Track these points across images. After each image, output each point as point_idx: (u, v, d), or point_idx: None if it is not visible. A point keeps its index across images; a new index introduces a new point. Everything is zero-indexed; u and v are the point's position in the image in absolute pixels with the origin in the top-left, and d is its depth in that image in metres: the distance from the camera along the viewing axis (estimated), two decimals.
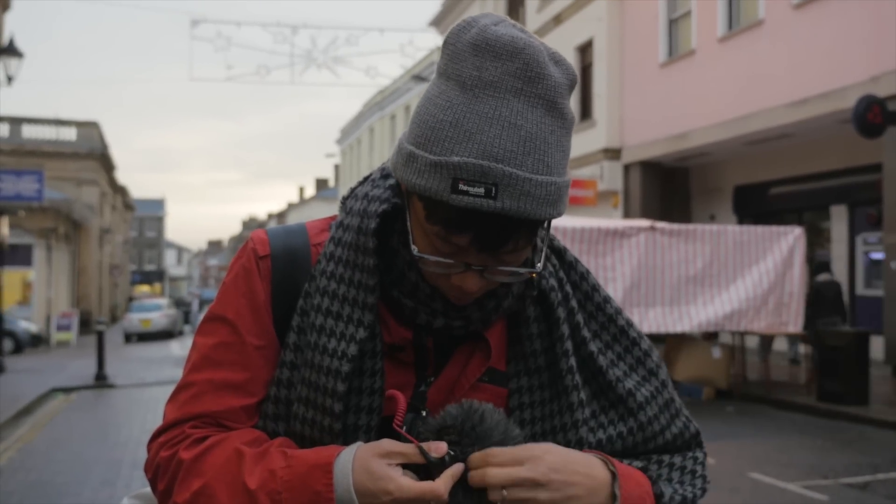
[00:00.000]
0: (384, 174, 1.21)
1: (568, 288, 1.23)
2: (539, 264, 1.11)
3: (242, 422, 1.17)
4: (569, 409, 1.17)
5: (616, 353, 1.24)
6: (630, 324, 1.27)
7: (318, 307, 1.15)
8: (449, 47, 1.06)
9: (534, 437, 1.17)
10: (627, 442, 1.21)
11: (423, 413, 1.13)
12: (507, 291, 1.17)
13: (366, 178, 1.25)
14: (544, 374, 1.19)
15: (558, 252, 1.26)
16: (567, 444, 1.15)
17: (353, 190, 1.25)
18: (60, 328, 26.74)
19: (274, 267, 1.20)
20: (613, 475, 1.10)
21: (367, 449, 1.06)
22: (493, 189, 0.99)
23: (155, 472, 1.17)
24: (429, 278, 1.12)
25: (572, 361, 1.18)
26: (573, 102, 1.16)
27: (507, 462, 1.03)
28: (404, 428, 1.10)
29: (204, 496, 1.09)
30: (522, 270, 1.09)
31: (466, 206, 0.99)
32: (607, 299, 1.27)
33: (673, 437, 1.24)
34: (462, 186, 0.99)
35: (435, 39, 32.78)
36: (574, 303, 1.23)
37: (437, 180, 1.01)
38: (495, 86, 1.01)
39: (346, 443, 1.11)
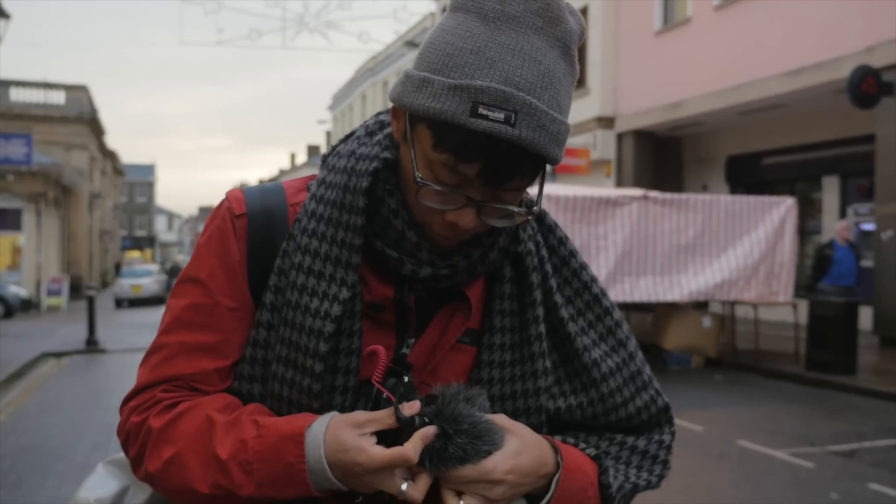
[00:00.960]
0: (369, 131, 1.19)
1: (544, 252, 1.23)
2: (536, 207, 1.11)
3: (215, 384, 1.15)
4: (532, 375, 1.17)
5: (588, 320, 1.24)
6: (604, 293, 1.27)
7: (298, 266, 1.12)
8: None
9: (501, 400, 1.16)
10: (587, 413, 1.21)
11: (406, 378, 1.10)
12: (493, 242, 1.15)
13: (348, 136, 1.23)
14: (514, 335, 1.18)
15: (538, 215, 1.25)
16: (527, 411, 1.17)
17: (334, 148, 1.22)
18: (51, 293, 26.69)
19: (250, 226, 1.17)
20: (558, 466, 1.12)
21: (340, 420, 1.04)
22: (513, 116, 0.98)
23: (126, 436, 1.16)
24: (421, 215, 1.10)
25: (541, 328, 1.18)
26: None
27: (468, 479, 1.04)
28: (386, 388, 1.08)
29: (175, 465, 1.08)
30: (519, 210, 1.08)
31: (485, 130, 0.98)
32: (584, 266, 1.27)
33: (637, 409, 1.22)
34: (482, 110, 0.98)
35: (428, 5, 32.46)
36: (549, 267, 1.22)
37: (456, 103, 0.99)
38: (518, 20, 1.02)
39: (323, 404, 1.10)
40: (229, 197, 1.20)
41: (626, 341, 1.25)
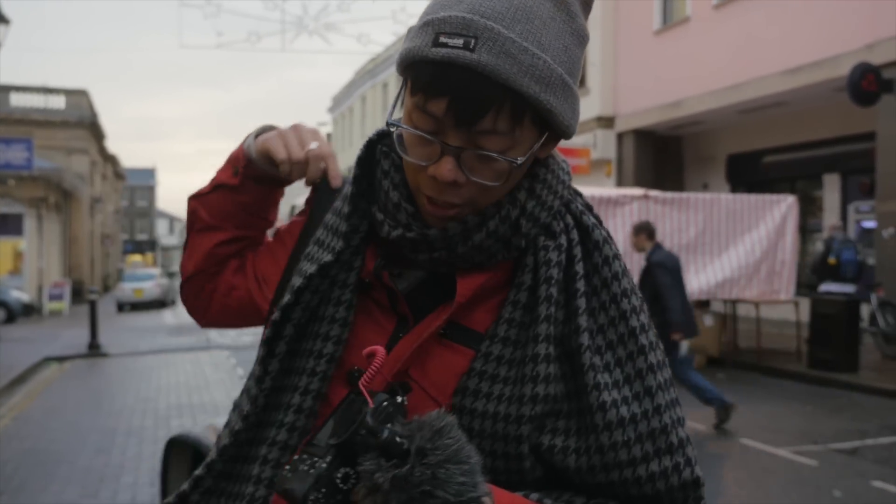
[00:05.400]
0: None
1: (579, 267, 1.08)
2: (521, 158, 1.01)
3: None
4: (518, 399, 1.02)
5: (617, 357, 1.05)
6: (645, 328, 1.07)
7: (315, 238, 1.19)
8: None
9: (482, 418, 1.04)
10: (582, 461, 1.01)
11: (399, 399, 0.97)
12: (480, 222, 1.06)
13: None
14: (517, 350, 1.06)
15: (584, 228, 1.12)
16: (505, 437, 1.02)
17: None
18: (53, 298, 26.69)
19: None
20: None
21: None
22: (473, 41, 0.95)
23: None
24: (412, 179, 1.08)
25: (540, 349, 1.03)
26: None
27: None
28: (373, 402, 0.96)
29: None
30: (497, 155, 1.00)
31: (442, 58, 0.95)
32: (627, 293, 1.08)
33: (650, 475, 1.00)
34: (442, 38, 0.96)
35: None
36: (581, 285, 1.07)
37: (422, 38, 0.99)
38: None
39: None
40: None
41: (656, 391, 1.04)
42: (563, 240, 1.10)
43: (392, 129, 1.07)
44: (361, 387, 0.98)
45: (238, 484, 1.13)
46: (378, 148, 1.14)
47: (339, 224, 1.14)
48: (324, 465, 0.94)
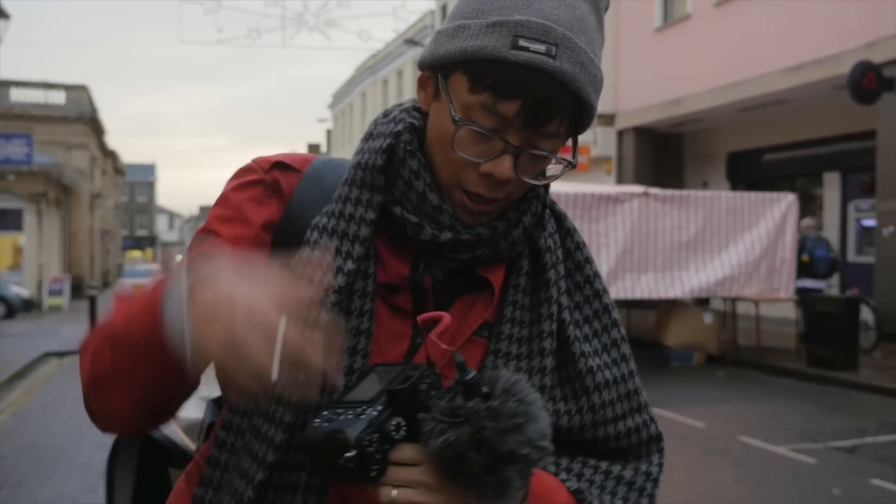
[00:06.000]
0: (385, 113, 1.18)
1: (559, 253, 1.18)
2: (574, 160, 1.08)
3: None
4: (540, 371, 1.11)
5: (594, 329, 1.18)
6: (613, 306, 1.22)
7: (313, 242, 1.08)
8: None
9: None
10: (574, 421, 1.13)
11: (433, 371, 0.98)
12: (518, 219, 1.11)
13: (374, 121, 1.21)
14: (524, 329, 1.13)
15: (558, 217, 1.22)
16: None
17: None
18: (52, 293, 26.67)
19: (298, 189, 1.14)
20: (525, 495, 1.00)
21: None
22: (554, 49, 0.98)
23: None
24: (452, 174, 1.06)
25: (552, 326, 1.13)
26: None
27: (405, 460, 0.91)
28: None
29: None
30: (558, 157, 1.05)
31: (526, 62, 0.97)
32: (597, 274, 1.22)
33: (627, 430, 1.15)
34: (523, 42, 0.97)
35: (428, 4, 32.44)
36: (562, 268, 1.17)
37: (495, 38, 0.98)
38: None
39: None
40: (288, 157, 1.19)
41: (629, 358, 1.19)
42: (550, 228, 1.18)
43: (459, 126, 1.02)
44: (433, 338, 1.00)
45: None
46: (401, 147, 1.09)
47: (355, 229, 1.08)
48: (374, 412, 0.87)
